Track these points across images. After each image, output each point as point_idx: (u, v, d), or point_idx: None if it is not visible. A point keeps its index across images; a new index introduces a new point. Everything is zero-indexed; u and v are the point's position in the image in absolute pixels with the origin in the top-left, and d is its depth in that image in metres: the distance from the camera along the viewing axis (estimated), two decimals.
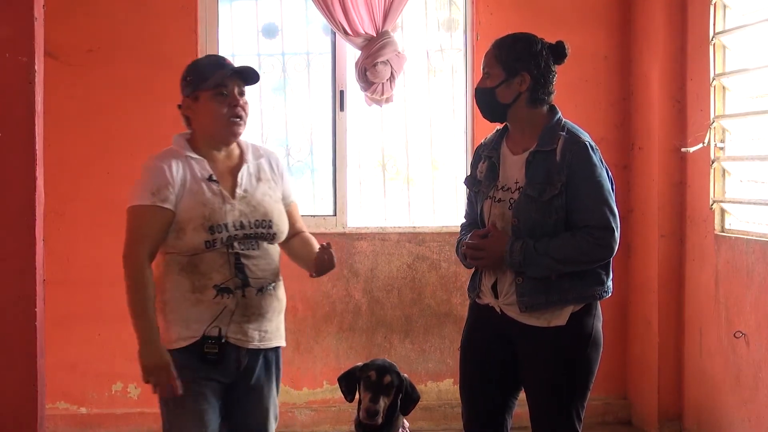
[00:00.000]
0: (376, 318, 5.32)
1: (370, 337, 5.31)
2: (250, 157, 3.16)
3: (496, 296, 3.23)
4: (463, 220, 3.46)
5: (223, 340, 2.99)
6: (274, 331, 3.16)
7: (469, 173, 3.43)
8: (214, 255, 3.00)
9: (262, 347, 3.11)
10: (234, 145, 3.16)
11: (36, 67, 3.40)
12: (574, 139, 3.15)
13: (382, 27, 5.11)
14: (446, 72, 5.49)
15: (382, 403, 3.35)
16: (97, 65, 5.04)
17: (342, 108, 5.32)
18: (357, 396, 3.45)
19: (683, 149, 5.00)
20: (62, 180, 4.87)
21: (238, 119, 3.09)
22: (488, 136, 3.39)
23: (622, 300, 5.33)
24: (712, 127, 4.76)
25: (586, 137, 3.19)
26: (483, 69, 3.25)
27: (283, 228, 3.14)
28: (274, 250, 3.15)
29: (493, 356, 3.28)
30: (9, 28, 3.37)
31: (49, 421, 4.27)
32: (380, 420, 3.34)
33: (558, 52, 3.21)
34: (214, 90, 3.04)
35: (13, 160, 3.40)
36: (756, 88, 4.55)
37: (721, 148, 4.77)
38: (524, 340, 3.20)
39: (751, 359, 4.42)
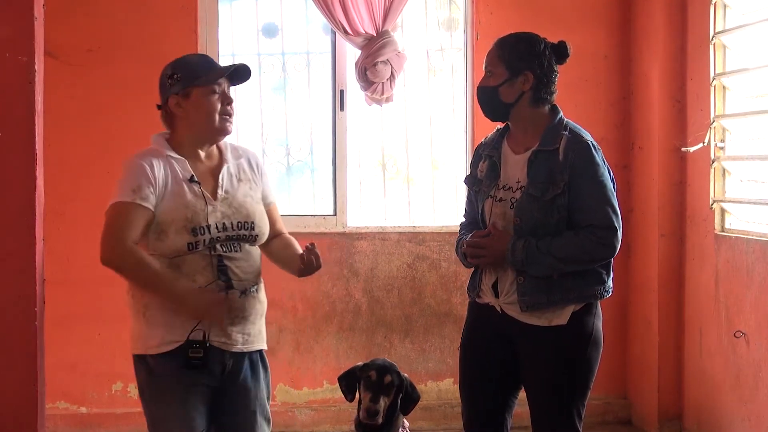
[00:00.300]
0: (376, 318, 5.32)
1: (371, 337, 5.31)
2: (230, 157, 3.12)
3: (497, 295, 3.23)
4: (463, 220, 3.46)
5: (207, 344, 2.94)
6: (256, 334, 3.10)
7: (469, 172, 3.43)
8: (197, 257, 2.95)
9: (245, 350, 3.06)
10: (213, 146, 3.12)
11: (36, 67, 3.39)
12: (576, 138, 3.16)
13: (382, 26, 5.11)
14: (446, 71, 5.49)
15: (383, 402, 3.35)
16: (97, 65, 5.04)
17: (342, 107, 5.32)
18: (357, 396, 3.45)
19: (683, 149, 5.00)
20: (62, 180, 4.87)
21: (229, 117, 3.05)
22: (488, 135, 3.39)
23: (622, 300, 5.33)
24: (712, 126, 4.76)
25: (588, 137, 3.19)
26: (485, 68, 3.25)
27: (264, 229, 3.10)
28: (256, 251, 3.11)
29: (493, 355, 3.28)
30: (9, 28, 3.37)
31: (49, 420, 4.27)
32: (380, 420, 3.34)
33: (560, 52, 3.21)
34: (208, 87, 3.01)
35: (13, 159, 3.39)
36: (756, 87, 4.55)
37: (721, 148, 4.77)
38: (525, 340, 3.20)
39: (751, 359, 4.42)
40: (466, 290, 3.42)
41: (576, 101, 5.09)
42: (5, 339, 3.39)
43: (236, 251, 3.02)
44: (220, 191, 3.03)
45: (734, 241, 4.58)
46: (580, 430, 3.23)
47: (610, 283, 3.24)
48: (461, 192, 5.26)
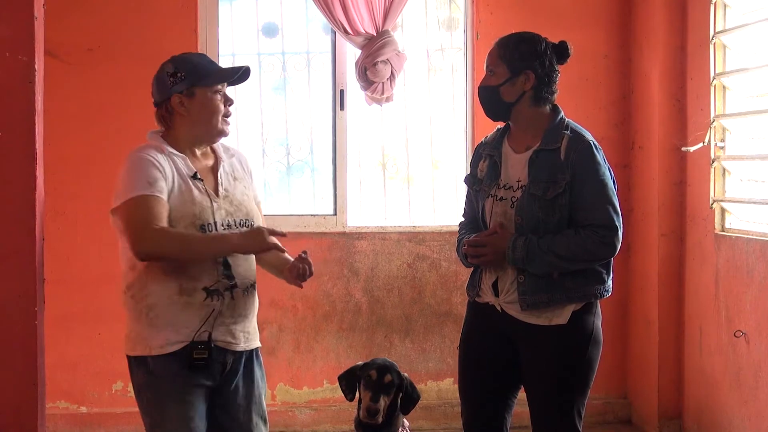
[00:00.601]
0: (376, 317, 5.32)
1: (371, 337, 5.32)
2: (224, 156, 3.12)
3: (497, 294, 3.23)
4: (462, 219, 3.47)
5: (212, 345, 2.93)
6: (253, 332, 3.11)
7: (469, 172, 3.44)
8: None
9: (246, 349, 3.07)
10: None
11: (36, 66, 3.39)
12: (578, 138, 3.17)
13: (383, 26, 5.11)
14: (446, 71, 5.49)
15: (383, 402, 3.35)
16: (97, 64, 5.04)
17: (342, 107, 5.32)
18: (357, 395, 3.45)
19: (683, 148, 5.00)
20: (62, 179, 4.87)
21: (228, 118, 3.06)
22: (489, 134, 3.40)
23: (622, 299, 5.33)
24: (713, 126, 4.76)
25: (589, 136, 3.20)
26: (487, 67, 3.25)
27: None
28: None
29: (493, 355, 3.29)
30: (9, 27, 3.36)
31: (49, 420, 4.26)
32: (380, 419, 3.34)
33: (561, 52, 3.22)
34: (212, 87, 3.00)
35: (13, 159, 3.38)
36: (756, 87, 4.55)
37: (722, 148, 4.76)
38: (525, 339, 3.20)
39: (751, 358, 4.42)
40: (465, 290, 3.42)
41: (576, 101, 5.09)
42: (5, 338, 3.39)
43: None
44: (221, 189, 3.03)
45: (734, 240, 4.58)
46: (580, 429, 3.24)
47: (610, 282, 3.25)
48: (461, 192, 5.24)
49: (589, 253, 3.12)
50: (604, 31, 5.38)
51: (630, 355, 5.43)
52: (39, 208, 3.42)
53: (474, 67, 5.29)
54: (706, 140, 4.80)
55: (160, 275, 2.91)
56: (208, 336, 2.92)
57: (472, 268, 3.36)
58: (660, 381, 5.14)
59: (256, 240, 2.90)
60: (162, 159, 2.94)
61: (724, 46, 4.72)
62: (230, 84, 3.09)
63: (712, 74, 4.75)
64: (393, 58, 5.13)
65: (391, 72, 5.15)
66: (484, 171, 3.30)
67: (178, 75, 2.99)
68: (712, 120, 4.76)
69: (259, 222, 3.10)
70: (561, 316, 3.15)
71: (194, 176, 2.98)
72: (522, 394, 3.34)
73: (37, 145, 3.40)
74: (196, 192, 2.96)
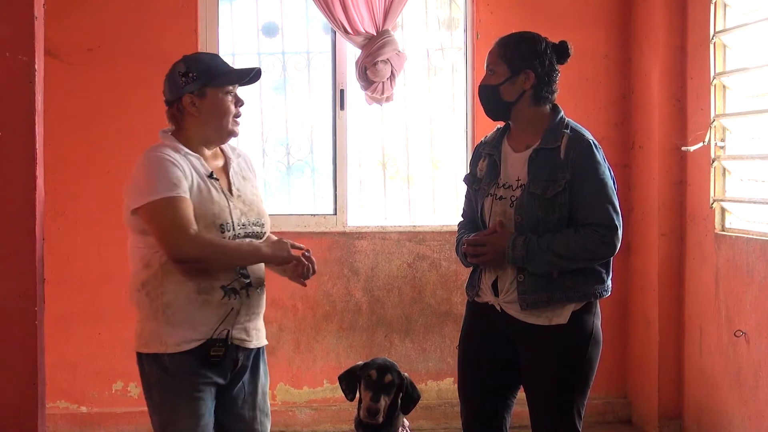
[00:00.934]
0: (376, 317, 5.32)
1: (371, 336, 5.32)
2: (232, 155, 3.15)
3: (496, 294, 3.23)
4: (461, 219, 3.47)
5: (229, 343, 2.97)
6: (262, 329, 3.15)
7: (468, 171, 3.44)
8: None
9: (257, 346, 3.11)
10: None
11: (36, 66, 3.39)
12: (578, 137, 3.17)
13: (383, 26, 5.11)
14: (446, 71, 5.49)
15: (383, 402, 3.35)
16: (97, 64, 5.03)
17: (342, 107, 5.32)
18: (357, 395, 3.45)
19: (683, 148, 5.00)
20: (62, 179, 4.87)
21: (239, 119, 3.08)
22: (488, 134, 3.40)
23: (622, 299, 5.33)
24: (713, 126, 4.76)
25: (589, 136, 3.21)
26: (487, 67, 3.25)
27: (269, 227, 3.15)
28: None
29: (492, 355, 3.29)
30: (9, 27, 3.36)
31: (49, 420, 4.27)
32: (381, 419, 3.34)
33: (561, 52, 3.22)
34: (224, 88, 3.02)
35: (13, 159, 3.39)
36: (756, 86, 4.54)
37: (722, 147, 4.76)
38: (524, 339, 3.20)
39: (752, 358, 4.42)
40: (465, 290, 3.42)
41: (576, 101, 5.09)
42: (5, 338, 3.39)
43: None
44: (234, 189, 3.06)
45: (734, 240, 4.58)
46: (580, 429, 3.24)
47: (610, 282, 3.25)
48: (461, 191, 5.24)
49: (588, 252, 3.12)
50: (604, 31, 5.38)
51: (630, 355, 5.43)
52: (39, 208, 3.43)
53: (474, 66, 5.29)
54: (706, 140, 4.80)
55: (178, 274, 2.93)
56: (226, 334, 2.95)
57: (471, 268, 3.36)
58: (660, 381, 5.14)
59: (283, 251, 3.00)
60: (180, 159, 2.95)
61: (724, 46, 4.72)
62: (241, 85, 3.11)
63: (712, 74, 4.75)
64: (393, 58, 5.13)
65: (391, 72, 5.15)
66: (483, 170, 3.31)
67: (190, 75, 3.00)
68: (712, 120, 4.76)
69: (269, 220, 3.15)
70: (561, 316, 3.15)
71: (210, 176, 3.00)
72: (522, 394, 3.34)
73: (37, 145, 3.40)
74: (214, 192, 2.98)
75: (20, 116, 3.38)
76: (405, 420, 3.51)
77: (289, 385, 5.25)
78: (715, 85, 4.75)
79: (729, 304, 4.61)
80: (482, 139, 3.43)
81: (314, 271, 3.11)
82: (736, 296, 4.55)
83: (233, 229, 2.97)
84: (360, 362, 3.52)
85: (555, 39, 3.26)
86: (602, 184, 3.15)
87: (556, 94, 3.25)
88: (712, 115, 4.76)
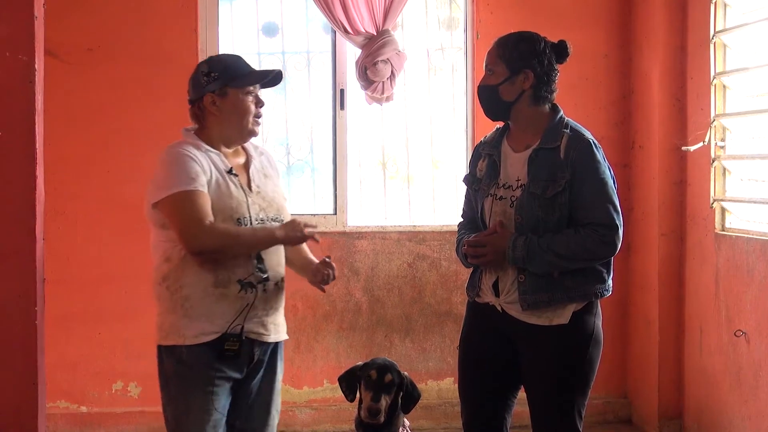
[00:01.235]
0: (376, 317, 5.32)
1: (371, 336, 5.32)
2: (254, 153, 3.21)
3: (497, 294, 3.23)
4: (461, 219, 3.46)
5: (243, 337, 3.01)
6: (282, 323, 3.21)
7: (468, 171, 3.44)
8: None
9: (276, 340, 3.17)
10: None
11: (36, 66, 3.39)
12: (578, 136, 3.17)
13: (383, 25, 5.11)
14: (446, 71, 5.49)
15: (384, 401, 3.35)
16: (97, 64, 5.03)
17: (342, 107, 5.32)
18: (358, 395, 3.45)
19: (684, 148, 4.99)
20: (62, 179, 4.87)
21: (259, 119, 3.14)
22: (488, 134, 3.40)
23: (622, 299, 5.33)
24: (713, 125, 4.76)
25: (589, 135, 3.20)
26: (486, 66, 3.25)
27: None
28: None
29: (493, 355, 3.28)
30: (9, 27, 3.37)
31: (49, 420, 4.27)
32: (382, 419, 3.34)
33: (560, 51, 3.22)
34: (245, 88, 3.08)
35: (13, 159, 3.39)
36: (756, 86, 4.54)
37: (722, 147, 4.76)
38: (525, 339, 3.20)
39: (752, 358, 4.42)
40: (465, 290, 3.42)
41: (576, 100, 5.09)
42: (5, 338, 3.39)
43: None
44: (253, 185, 3.12)
45: (734, 240, 4.58)
46: (581, 429, 3.23)
47: (611, 282, 3.24)
48: (461, 191, 5.24)
49: (589, 252, 3.12)
50: (604, 31, 5.38)
51: (630, 354, 5.43)
52: (39, 208, 3.43)
53: (474, 66, 5.29)
54: (706, 140, 4.80)
55: (196, 267, 2.99)
56: (240, 329, 3.00)
57: (472, 268, 3.36)
58: (660, 381, 5.13)
59: (296, 230, 3.04)
60: (199, 155, 3.02)
61: (725, 46, 4.72)
62: (263, 87, 3.17)
63: (712, 74, 4.75)
64: (393, 58, 5.13)
65: (392, 71, 5.15)
66: (483, 170, 3.30)
67: (212, 75, 3.07)
68: (712, 119, 4.76)
69: (288, 218, 3.19)
70: (562, 316, 3.15)
71: (230, 171, 3.07)
72: (522, 394, 3.34)
73: (37, 145, 3.41)
74: (232, 187, 3.05)
75: (20, 116, 3.38)
76: (405, 420, 3.51)
77: (289, 385, 5.25)
78: (715, 85, 4.75)
79: (729, 303, 4.61)
80: (482, 139, 3.42)
81: (334, 277, 3.18)
82: (736, 296, 4.55)
83: (250, 223, 3.03)
84: (359, 363, 3.52)
85: (555, 39, 3.26)
86: (602, 183, 3.14)
87: (555, 94, 3.25)
88: (712, 114, 4.76)
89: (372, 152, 5.47)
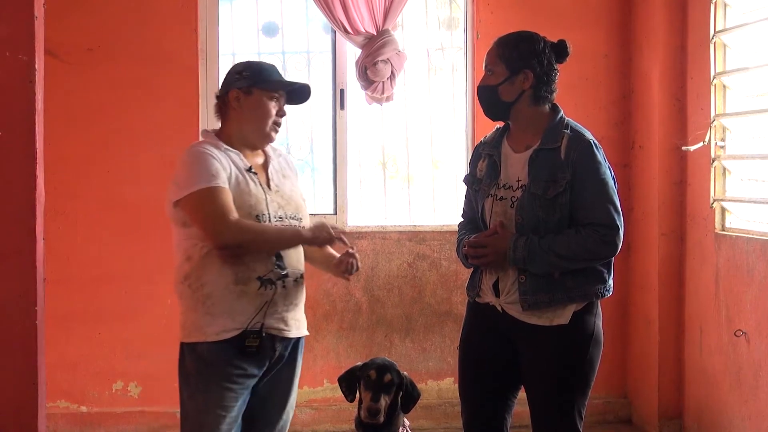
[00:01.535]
0: (376, 317, 5.32)
1: (371, 336, 5.32)
2: (272, 154, 3.26)
3: (497, 295, 3.22)
4: (461, 219, 3.46)
5: (263, 333, 3.03)
6: (302, 319, 3.23)
7: (468, 171, 3.43)
8: None
9: (297, 336, 3.18)
10: None
11: (36, 66, 3.39)
12: (578, 137, 3.17)
13: (383, 25, 5.11)
14: (447, 71, 5.49)
15: (384, 401, 3.35)
16: (97, 64, 5.04)
17: (342, 107, 5.32)
18: (357, 396, 3.45)
19: (684, 148, 5.00)
20: (63, 179, 4.87)
21: (278, 127, 3.19)
22: (488, 134, 3.40)
23: (622, 299, 5.33)
24: (713, 125, 4.76)
25: (589, 135, 3.20)
26: (486, 67, 3.25)
27: (307, 223, 3.23)
28: None
29: (493, 355, 3.28)
30: (9, 27, 3.37)
31: (49, 419, 4.27)
32: (382, 419, 3.34)
33: (560, 51, 3.22)
34: (270, 92, 3.13)
35: (13, 159, 3.39)
36: (756, 86, 4.54)
37: (722, 147, 4.76)
38: (525, 339, 3.20)
39: (752, 358, 4.42)
40: (465, 290, 3.42)
41: (576, 100, 5.09)
42: (5, 338, 3.39)
43: None
44: (272, 183, 3.16)
45: (734, 240, 4.58)
46: (581, 429, 3.23)
47: (611, 282, 3.24)
48: (462, 191, 5.25)
49: (590, 252, 3.12)
50: (604, 31, 5.38)
51: (630, 354, 5.43)
52: (39, 208, 3.43)
53: (474, 66, 5.29)
54: (707, 140, 4.80)
55: (217, 265, 3.02)
56: (260, 326, 3.03)
57: (472, 268, 3.36)
58: (660, 381, 5.13)
59: (323, 232, 3.08)
60: (219, 153, 3.07)
61: (725, 46, 4.72)
62: (290, 103, 3.22)
63: (712, 73, 4.75)
64: (393, 58, 5.13)
65: (392, 71, 5.15)
66: (483, 171, 3.30)
67: (243, 74, 3.15)
68: (712, 119, 4.76)
69: (308, 217, 3.25)
70: (562, 317, 3.15)
71: (249, 169, 3.11)
72: (522, 394, 3.34)
73: (37, 145, 3.41)
74: (252, 184, 3.09)
75: (20, 116, 3.39)
76: (405, 419, 3.51)
77: None
78: (715, 85, 4.75)
79: (729, 303, 4.61)
80: (482, 139, 3.42)
81: (358, 268, 3.20)
82: (736, 296, 4.55)
83: (269, 220, 3.07)
84: (359, 363, 3.52)
85: (555, 39, 3.25)
86: (603, 183, 3.14)
87: (555, 94, 3.24)
88: (712, 114, 4.76)
89: (372, 152, 5.48)
